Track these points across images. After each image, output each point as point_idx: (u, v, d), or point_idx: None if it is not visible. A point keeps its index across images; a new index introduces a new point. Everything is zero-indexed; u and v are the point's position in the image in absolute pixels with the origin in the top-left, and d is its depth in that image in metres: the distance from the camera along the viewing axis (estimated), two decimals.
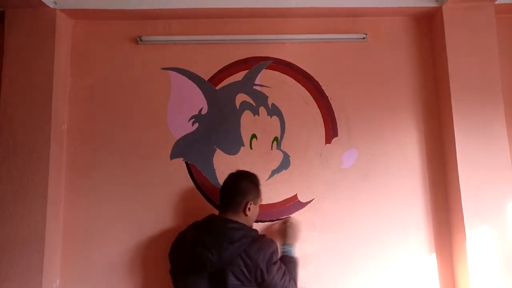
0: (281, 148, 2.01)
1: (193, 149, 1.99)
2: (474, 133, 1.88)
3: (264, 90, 2.05)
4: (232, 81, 2.05)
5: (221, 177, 1.97)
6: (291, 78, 2.06)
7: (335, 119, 2.03)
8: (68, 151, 1.99)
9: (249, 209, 1.62)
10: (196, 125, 2.02)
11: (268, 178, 1.99)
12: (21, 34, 1.92)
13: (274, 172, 1.99)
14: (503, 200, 1.84)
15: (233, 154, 2.00)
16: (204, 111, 2.03)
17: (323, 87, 2.06)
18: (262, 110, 2.03)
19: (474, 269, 1.79)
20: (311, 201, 1.98)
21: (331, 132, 2.03)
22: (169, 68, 2.05)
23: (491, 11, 1.96)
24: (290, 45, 2.08)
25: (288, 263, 1.66)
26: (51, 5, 1.91)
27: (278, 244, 1.66)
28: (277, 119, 2.03)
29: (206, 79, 2.05)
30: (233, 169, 1.98)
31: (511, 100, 2.02)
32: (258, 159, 2.00)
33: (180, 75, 2.05)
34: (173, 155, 1.99)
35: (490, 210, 1.83)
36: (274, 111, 2.03)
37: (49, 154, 1.84)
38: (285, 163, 2.00)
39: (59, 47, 1.95)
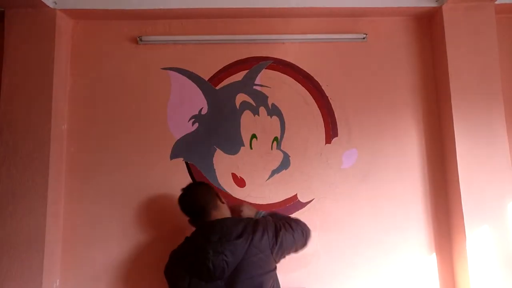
0: (281, 148, 2.01)
1: (193, 149, 1.99)
2: (474, 133, 1.89)
3: (264, 90, 2.05)
4: (232, 81, 2.05)
5: (221, 177, 1.97)
6: (291, 78, 2.06)
7: (335, 119, 2.03)
8: (68, 151, 1.99)
9: (220, 196, 1.65)
10: (196, 125, 2.02)
11: (268, 178, 1.99)
12: (21, 34, 1.92)
13: (274, 172, 1.99)
14: (503, 200, 1.84)
15: (233, 154, 2.00)
16: (204, 111, 2.03)
17: (323, 87, 2.06)
18: (262, 110, 2.03)
19: (474, 269, 1.79)
20: (311, 201, 1.98)
21: (331, 132, 2.03)
22: (169, 68, 2.05)
23: (491, 11, 1.97)
24: (290, 45, 2.08)
25: (275, 217, 1.67)
26: (51, 5, 1.92)
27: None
28: (277, 119, 2.03)
29: (206, 79, 2.05)
30: (233, 169, 1.98)
31: (511, 100, 2.02)
32: (258, 159, 2.00)
33: (180, 75, 2.05)
34: (173, 155, 1.99)
35: (490, 210, 1.83)
36: (274, 111, 2.03)
37: (49, 154, 1.84)
38: (285, 163, 2.00)
39: (59, 47, 1.95)
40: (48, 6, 1.90)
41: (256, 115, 2.03)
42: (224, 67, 2.05)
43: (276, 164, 2.00)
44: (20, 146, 1.84)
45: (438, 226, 1.96)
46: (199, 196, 1.64)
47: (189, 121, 2.02)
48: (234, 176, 1.98)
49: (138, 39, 2.03)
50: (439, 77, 2.03)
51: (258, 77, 2.06)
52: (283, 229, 1.55)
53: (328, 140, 2.02)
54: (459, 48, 1.94)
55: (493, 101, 1.90)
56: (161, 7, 1.96)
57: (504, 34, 2.06)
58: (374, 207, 1.97)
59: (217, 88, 2.05)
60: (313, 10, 2.00)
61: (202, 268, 1.42)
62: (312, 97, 2.05)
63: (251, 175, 1.98)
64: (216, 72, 2.05)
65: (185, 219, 1.67)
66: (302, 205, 1.98)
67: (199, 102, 2.03)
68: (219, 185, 1.97)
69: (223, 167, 1.98)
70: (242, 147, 2.01)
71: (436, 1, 1.98)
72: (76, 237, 1.92)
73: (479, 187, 1.85)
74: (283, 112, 2.03)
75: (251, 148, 2.01)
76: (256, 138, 2.02)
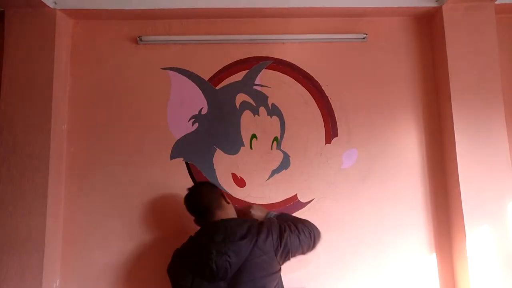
0: (281, 148, 2.01)
1: (193, 149, 1.99)
2: (474, 133, 1.89)
3: (264, 90, 2.05)
4: (232, 81, 2.05)
5: (221, 177, 1.97)
6: (291, 78, 2.06)
7: (335, 119, 2.03)
8: (68, 151, 1.99)
9: (225, 196, 1.66)
10: (196, 125, 2.02)
11: (268, 178, 1.99)
12: (21, 34, 1.92)
13: (274, 172, 1.99)
14: (503, 200, 1.84)
15: (233, 154, 2.00)
16: (204, 111, 2.03)
17: (323, 87, 2.06)
18: (262, 110, 2.03)
19: (474, 269, 1.79)
20: (311, 201, 1.98)
21: (331, 132, 2.03)
22: (169, 68, 2.05)
23: (491, 11, 1.96)
24: (290, 45, 2.08)
25: (283, 218, 1.68)
26: (51, 5, 1.91)
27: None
28: (277, 119, 2.03)
29: (206, 79, 2.05)
30: (233, 169, 1.98)
31: (511, 100, 2.02)
32: (258, 159, 2.00)
33: (180, 75, 2.05)
34: (173, 155, 1.99)
35: (490, 210, 1.83)
36: (274, 111, 2.04)
37: (49, 154, 1.84)
38: (285, 163, 2.00)
39: (59, 47, 1.95)
40: (48, 6, 1.90)
41: (256, 115, 2.03)
42: (224, 67, 2.05)
43: (276, 164, 2.00)
44: (20, 146, 1.84)
45: (438, 226, 1.96)
46: (203, 195, 1.64)
47: (189, 121, 2.02)
48: (234, 176, 1.98)
49: (138, 39, 2.03)
50: (439, 77, 2.03)
51: (258, 77, 2.06)
52: (288, 231, 1.54)
53: (328, 140, 2.02)
54: (459, 48, 1.94)
55: (493, 101, 1.90)
56: (161, 7, 1.96)
57: (504, 34, 2.06)
58: (374, 207, 1.97)
59: (217, 88, 2.05)
60: (313, 10, 2.00)
61: (205, 268, 1.42)
62: (312, 97, 2.05)
63: (251, 175, 1.98)
64: (216, 72, 2.05)
65: (185, 219, 1.67)
66: (302, 205, 1.98)
67: (199, 102, 2.03)
68: (219, 185, 1.96)
69: (223, 167, 1.98)
70: (242, 147, 2.01)
71: (436, 1, 1.98)
72: (76, 237, 1.92)
73: (479, 187, 1.85)
74: (283, 112, 2.03)
75: (251, 148, 2.01)
76: (256, 138, 2.02)
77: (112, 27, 2.07)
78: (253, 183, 1.98)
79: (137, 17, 2.05)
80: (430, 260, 1.95)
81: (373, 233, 1.95)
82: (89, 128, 2.01)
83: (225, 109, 2.03)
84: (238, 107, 2.03)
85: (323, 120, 2.04)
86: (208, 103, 2.03)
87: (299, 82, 2.06)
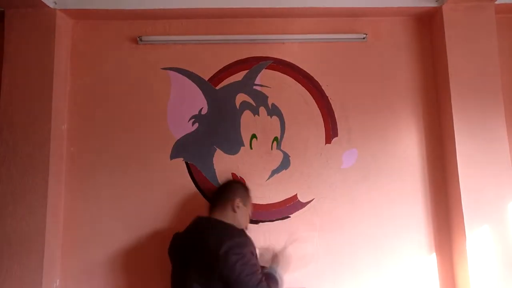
0: (281, 148, 2.01)
1: (193, 149, 1.99)
2: (474, 133, 1.88)
3: (264, 90, 2.05)
4: (232, 81, 2.05)
5: (221, 177, 1.97)
6: (291, 78, 2.06)
7: (335, 119, 2.03)
8: (68, 151, 1.99)
9: (237, 206, 1.62)
10: (196, 125, 2.02)
11: (268, 178, 1.99)
12: (21, 34, 1.92)
13: (274, 172, 1.99)
14: (503, 200, 1.84)
15: (233, 154, 2.00)
16: (204, 111, 2.03)
17: (323, 87, 2.06)
18: (262, 110, 2.03)
19: (474, 269, 1.79)
20: (311, 201, 1.98)
21: (331, 132, 2.03)
22: (169, 68, 2.05)
23: (491, 11, 1.97)
24: (290, 45, 2.08)
25: (269, 278, 1.51)
26: (51, 5, 1.92)
27: (267, 264, 1.65)
28: (277, 119, 2.03)
29: (206, 79, 2.05)
30: (233, 169, 1.98)
31: (511, 100, 2.02)
32: (258, 159, 2.00)
33: (180, 75, 2.05)
34: (173, 155, 1.99)
35: (490, 210, 1.83)
36: (274, 111, 2.03)
37: (49, 154, 1.84)
38: (285, 163, 2.00)
39: (59, 47, 1.95)
40: (48, 6, 1.90)
41: (256, 115, 2.03)
42: (224, 67, 2.05)
43: (276, 164, 2.00)
44: (20, 146, 1.84)
45: (438, 226, 1.96)
46: (221, 189, 1.74)
47: (189, 121, 2.02)
48: (234, 176, 1.98)
49: (138, 39, 2.03)
50: (439, 77, 2.03)
51: (258, 77, 2.06)
52: (243, 259, 1.40)
53: (328, 140, 2.02)
54: (459, 48, 1.94)
55: (493, 101, 1.90)
56: (161, 7, 1.96)
57: (504, 34, 2.06)
58: (374, 207, 1.97)
59: (217, 88, 2.05)
60: (313, 10, 2.00)
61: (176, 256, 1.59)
62: (312, 97, 2.05)
63: (251, 175, 1.98)
64: (216, 72, 2.05)
65: (185, 218, 1.68)
66: (302, 205, 1.98)
67: (199, 102, 2.03)
68: (219, 185, 1.96)
69: (223, 167, 1.98)
70: (242, 147, 2.01)
71: (436, 1, 1.98)
72: (76, 237, 1.92)
73: (479, 187, 1.84)
74: (283, 112, 2.03)
75: (251, 148, 2.01)
76: (256, 138, 2.02)
77: (112, 27, 2.07)
78: (253, 183, 1.97)
79: (137, 17, 2.05)
80: (430, 260, 1.95)
81: (373, 233, 1.95)
82: (89, 128, 2.01)
83: (225, 109, 2.03)
84: (238, 107, 2.03)
85: (323, 120, 2.04)
86: (208, 103, 2.03)
87: (299, 82, 2.06)
